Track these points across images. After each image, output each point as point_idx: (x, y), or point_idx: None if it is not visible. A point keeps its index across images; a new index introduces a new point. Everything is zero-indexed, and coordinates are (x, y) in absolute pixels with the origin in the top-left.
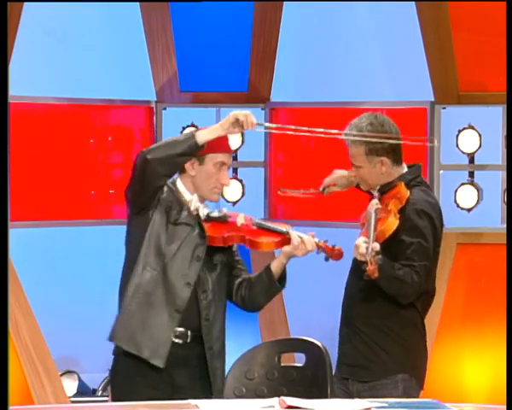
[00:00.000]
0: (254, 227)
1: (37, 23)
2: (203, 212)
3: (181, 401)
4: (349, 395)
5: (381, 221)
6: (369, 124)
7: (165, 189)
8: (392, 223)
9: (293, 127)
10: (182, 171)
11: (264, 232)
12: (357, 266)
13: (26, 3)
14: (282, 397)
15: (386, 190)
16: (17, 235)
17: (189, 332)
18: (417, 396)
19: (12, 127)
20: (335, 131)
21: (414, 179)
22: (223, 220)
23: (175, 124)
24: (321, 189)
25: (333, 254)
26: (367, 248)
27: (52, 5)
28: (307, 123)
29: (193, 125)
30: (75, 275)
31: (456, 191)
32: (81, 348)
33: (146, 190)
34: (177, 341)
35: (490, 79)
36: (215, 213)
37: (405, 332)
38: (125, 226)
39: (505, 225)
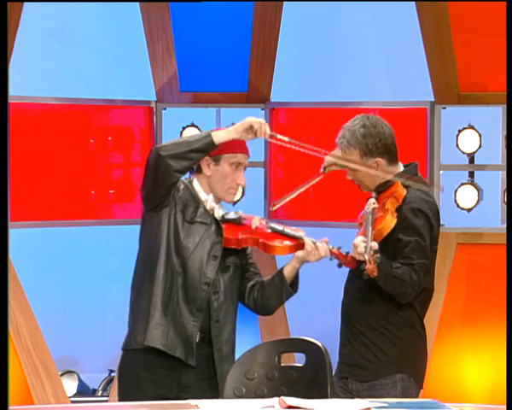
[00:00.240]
0: (269, 230)
1: (37, 23)
2: (218, 213)
3: (181, 401)
4: (349, 393)
5: (379, 220)
6: (361, 126)
7: (182, 187)
8: (390, 222)
9: (304, 145)
10: (198, 171)
11: (279, 236)
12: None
13: (26, 3)
14: (282, 397)
15: (382, 189)
16: (17, 235)
17: (199, 332)
18: (416, 396)
19: (12, 127)
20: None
21: (410, 178)
22: (237, 222)
23: (175, 124)
24: (322, 170)
25: (346, 261)
26: (365, 247)
27: (52, 5)
28: (307, 123)
29: (193, 125)
30: (75, 275)
31: (456, 191)
32: (81, 348)
33: (159, 186)
34: None
35: (490, 79)
36: (230, 215)
37: (403, 333)
38: (125, 226)
39: (505, 225)
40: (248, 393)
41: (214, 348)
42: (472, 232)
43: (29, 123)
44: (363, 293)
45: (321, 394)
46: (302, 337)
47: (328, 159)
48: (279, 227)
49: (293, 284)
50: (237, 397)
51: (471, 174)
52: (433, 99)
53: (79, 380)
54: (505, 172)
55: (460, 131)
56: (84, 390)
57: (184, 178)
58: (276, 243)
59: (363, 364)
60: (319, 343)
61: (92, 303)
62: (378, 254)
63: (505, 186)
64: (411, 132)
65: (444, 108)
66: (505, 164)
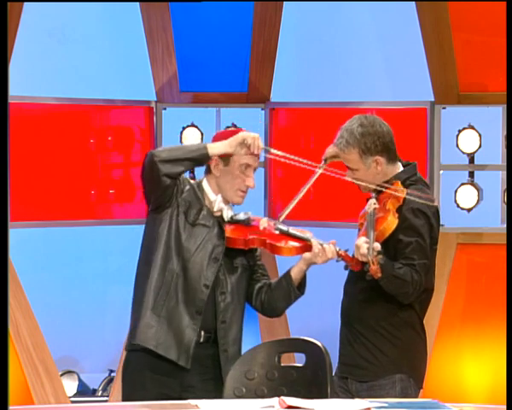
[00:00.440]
0: (276, 232)
1: (37, 23)
2: (227, 214)
3: (181, 401)
4: (348, 393)
5: (380, 221)
6: (359, 126)
7: (186, 188)
8: (392, 222)
9: (298, 159)
10: (208, 171)
11: (286, 238)
12: None
13: (26, 3)
14: (282, 397)
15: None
16: (17, 235)
17: (203, 333)
18: (416, 396)
19: (12, 127)
20: (340, 171)
21: (409, 178)
22: (246, 223)
23: (175, 124)
24: (323, 162)
25: (352, 263)
26: (368, 248)
27: (52, 5)
28: (307, 123)
29: (193, 125)
30: (75, 275)
31: (456, 191)
32: (81, 348)
33: (153, 189)
34: None
35: (490, 79)
36: (239, 216)
37: (403, 333)
38: (125, 226)
39: (505, 225)
40: (248, 393)
41: (220, 349)
42: (472, 232)
43: (29, 123)
44: (365, 294)
45: (321, 394)
46: (302, 337)
47: (328, 151)
48: (287, 229)
49: (301, 286)
50: (237, 397)
51: (471, 174)
52: (433, 99)
53: (79, 380)
54: (505, 172)
55: (460, 131)
56: (84, 390)
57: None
58: (284, 244)
59: (363, 364)
60: (319, 343)
61: (92, 303)
62: (381, 255)
63: (505, 186)
64: (411, 132)
65: (444, 108)
66: (505, 164)
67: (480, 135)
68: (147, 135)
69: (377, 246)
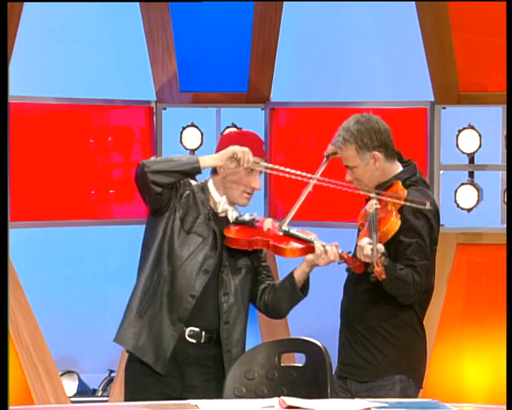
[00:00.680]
0: (280, 233)
1: (37, 23)
2: (232, 215)
3: (180, 401)
4: (348, 393)
5: (383, 222)
6: (355, 123)
7: (186, 193)
8: (395, 224)
9: (289, 170)
10: (214, 172)
11: (289, 239)
12: None
13: (26, 3)
14: (282, 397)
15: (382, 189)
16: (17, 235)
17: (204, 333)
18: (416, 396)
19: (12, 127)
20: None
21: (409, 179)
22: (250, 224)
23: (175, 124)
24: (325, 159)
25: (354, 265)
26: (372, 249)
27: (52, 5)
28: (307, 123)
29: (193, 126)
30: (75, 275)
31: (456, 191)
32: (81, 348)
33: (146, 197)
34: (190, 340)
35: (490, 79)
36: (244, 217)
37: (402, 334)
38: (124, 226)
39: (505, 225)
40: (248, 393)
41: (224, 350)
42: (472, 232)
43: (29, 123)
44: (367, 295)
45: (321, 394)
46: (302, 337)
47: (330, 147)
48: (291, 230)
49: (304, 288)
50: (237, 397)
51: (471, 174)
52: (433, 99)
53: (79, 380)
54: (505, 172)
55: (460, 131)
56: (84, 390)
57: (200, 181)
58: (286, 245)
59: (362, 365)
60: (319, 343)
61: (92, 303)
62: (385, 257)
63: (505, 186)
64: (411, 132)
65: (444, 108)
66: (505, 164)
67: (479, 135)
68: (147, 135)
69: (381, 247)
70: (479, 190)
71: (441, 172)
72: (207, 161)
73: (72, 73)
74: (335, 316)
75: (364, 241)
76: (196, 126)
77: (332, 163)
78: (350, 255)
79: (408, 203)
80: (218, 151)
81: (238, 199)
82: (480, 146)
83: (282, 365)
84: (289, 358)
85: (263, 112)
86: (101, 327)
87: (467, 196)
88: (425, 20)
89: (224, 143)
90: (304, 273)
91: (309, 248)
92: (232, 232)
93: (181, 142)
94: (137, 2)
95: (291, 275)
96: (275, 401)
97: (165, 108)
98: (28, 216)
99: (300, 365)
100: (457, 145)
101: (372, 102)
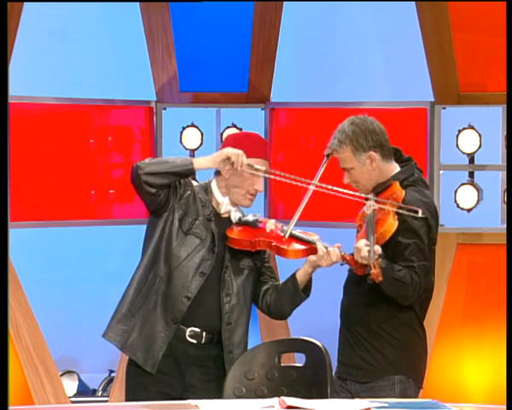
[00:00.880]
0: (282, 234)
1: (37, 23)
2: (235, 215)
3: (180, 402)
4: (348, 393)
5: (380, 223)
6: (350, 124)
7: (187, 194)
8: (392, 225)
9: (284, 174)
10: (217, 173)
11: (292, 240)
12: None
13: (26, 3)
14: (282, 397)
15: (380, 190)
16: (17, 235)
17: (205, 333)
18: (416, 397)
19: (12, 127)
20: (329, 185)
21: (407, 179)
22: (253, 225)
23: (175, 124)
24: (325, 158)
25: (357, 267)
26: (369, 251)
27: (52, 5)
28: (307, 123)
29: (193, 126)
30: (75, 275)
31: (456, 191)
32: (81, 348)
33: (142, 198)
34: (191, 340)
35: (490, 79)
36: (248, 218)
37: (402, 334)
38: (124, 226)
39: (505, 225)
40: (248, 393)
41: (225, 351)
42: (472, 232)
43: (29, 123)
44: (367, 296)
45: (321, 394)
46: (302, 337)
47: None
48: (293, 231)
49: (306, 289)
50: (237, 397)
51: (471, 174)
52: (433, 99)
53: (79, 380)
54: (505, 172)
55: (460, 131)
56: (84, 390)
57: (204, 181)
58: (289, 246)
59: (362, 365)
60: (319, 343)
61: (92, 303)
62: (382, 259)
63: (505, 186)
64: (411, 132)
65: (444, 108)
66: (505, 164)
67: (479, 135)
68: (147, 135)
69: (378, 249)
70: (479, 190)
71: (441, 172)
72: (201, 162)
73: (72, 73)
74: (335, 316)
75: (361, 242)
76: (196, 126)
77: (332, 163)
78: (352, 257)
79: (400, 211)
80: None
81: (241, 200)
82: (479, 146)
83: (282, 365)
84: (289, 358)
85: (263, 112)
86: (101, 327)
87: (467, 196)
88: (425, 20)
89: (227, 144)
90: (306, 274)
91: (311, 249)
92: (235, 233)
93: (181, 142)
94: (137, 2)
95: (293, 276)
96: (275, 401)
97: (165, 108)
98: (28, 216)
99: (300, 365)
100: (457, 145)
101: (372, 102)
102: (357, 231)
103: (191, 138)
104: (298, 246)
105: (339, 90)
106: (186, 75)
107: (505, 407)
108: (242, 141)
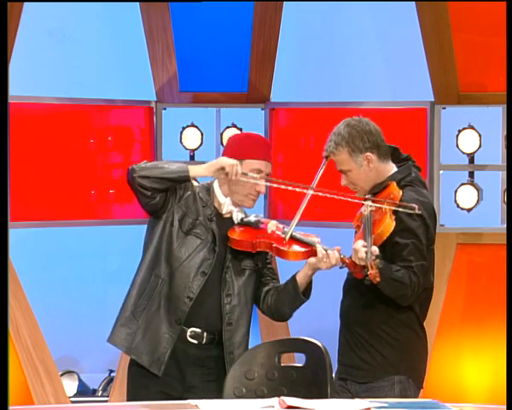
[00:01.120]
0: (283, 235)
1: (37, 23)
2: (237, 216)
3: (180, 401)
4: (348, 393)
5: (377, 223)
6: (346, 126)
7: (187, 194)
8: (389, 225)
9: (280, 181)
10: None
11: (292, 242)
12: None
13: (26, 3)
14: (282, 397)
15: (377, 190)
16: (17, 235)
17: (205, 334)
18: (416, 397)
19: (12, 127)
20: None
21: (404, 179)
22: (255, 226)
23: (175, 124)
24: (324, 159)
25: (356, 270)
26: (366, 252)
27: (52, 5)
28: (307, 123)
29: (193, 126)
30: (75, 275)
31: (456, 191)
32: (81, 348)
33: (138, 200)
34: (191, 341)
35: (490, 79)
36: (250, 218)
37: (401, 334)
38: (124, 226)
39: (505, 225)
40: (248, 393)
41: (226, 351)
42: (472, 232)
43: (29, 123)
44: (367, 297)
45: (321, 394)
46: (302, 337)
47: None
48: (294, 233)
49: (306, 291)
50: (237, 397)
51: (471, 174)
52: (433, 99)
53: (79, 380)
54: (505, 172)
55: (460, 131)
56: (84, 390)
57: (206, 182)
58: (289, 248)
59: (362, 366)
60: (319, 343)
61: (92, 303)
62: (379, 259)
63: (505, 186)
64: (411, 132)
65: (444, 108)
66: (505, 164)
67: (479, 135)
68: (147, 135)
69: (375, 250)
70: (479, 190)
71: (441, 172)
72: (197, 170)
73: (72, 72)
74: (335, 316)
75: (359, 243)
76: (196, 126)
77: (330, 165)
78: (351, 260)
79: (394, 208)
80: (225, 153)
81: (243, 201)
82: (479, 146)
83: (282, 365)
84: (289, 358)
85: (263, 112)
86: (101, 327)
87: (467, 196)
88: (425, 20)
89: (231, 145)
90: (306, 276)
91: (311, 251)
92: (236, 234)
93: (181, 142)
94: (137, 2)
95: (293, 278)
96: (275, 401)
97: (165, 108)
98: (28, 216)
99: (300, 365)
100: (457, 145)
101: (372, 102)
102: (356, 232)
103: (191, 138)
104: (298, 248)
105: (339, 90)
106: (186, 75)
107: (505, 407)
108: (244, 142)
